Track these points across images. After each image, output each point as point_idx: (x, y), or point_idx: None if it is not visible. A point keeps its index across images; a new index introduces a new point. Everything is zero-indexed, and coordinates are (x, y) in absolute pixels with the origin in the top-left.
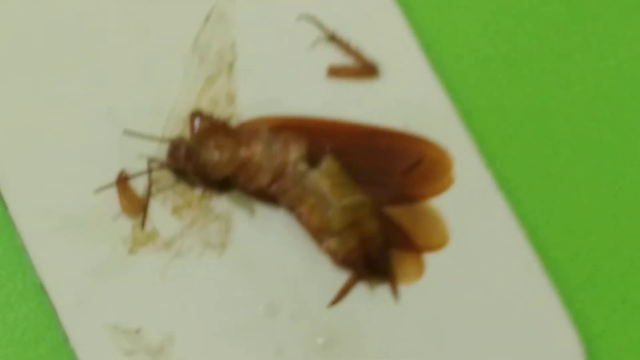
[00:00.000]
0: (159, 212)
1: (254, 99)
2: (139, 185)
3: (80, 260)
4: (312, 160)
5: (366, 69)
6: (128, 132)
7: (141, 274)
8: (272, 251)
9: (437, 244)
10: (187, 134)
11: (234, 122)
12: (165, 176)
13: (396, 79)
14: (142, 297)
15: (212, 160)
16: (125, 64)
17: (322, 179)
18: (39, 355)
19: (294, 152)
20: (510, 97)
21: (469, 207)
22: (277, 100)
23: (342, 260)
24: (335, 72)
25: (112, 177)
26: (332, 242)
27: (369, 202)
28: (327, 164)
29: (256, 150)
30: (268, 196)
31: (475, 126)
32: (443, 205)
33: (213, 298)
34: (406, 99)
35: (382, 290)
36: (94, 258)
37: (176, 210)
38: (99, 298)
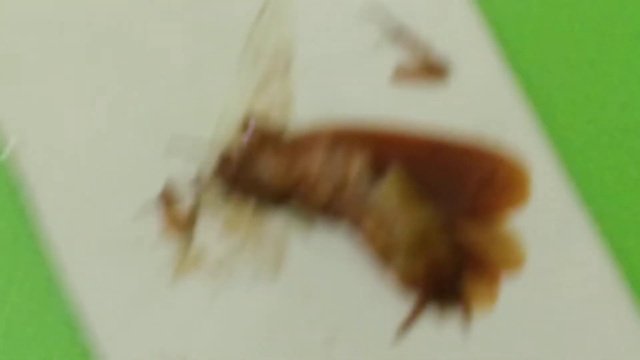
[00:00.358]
0: (206, 232)
1: (312, 103)
2: (184, 204)
3: (123, 286)
4: (377, 172)
5: (435, 71)
6: (175, 138)
7: (187, 300)
8: (331, 276)
9: (513, 265)
10: (238, 141)
11: (290, 129)
12: (214, 192)
13: (468, 82)
14: (188, 325)
15: (266, 174)
16: (171, 63)
17: (388, 193)
18: None
19: (357, 163)
20: (596, 103)
21: (548, 225)
22: (338, 105)
23: (410, 284)
24: (401, 74)
25: (155, 194)
26: (399, 265)
27: (439, 217)
28: (393, 176)
29: (315, 162)
30: (328, 212)
31: (557, 135)
32: (519, 222)
33: (265, 328)
34: (479, 104)
35: (452, 324)
36: (137, 283)
37: (227, 228)
38: (142, 325)
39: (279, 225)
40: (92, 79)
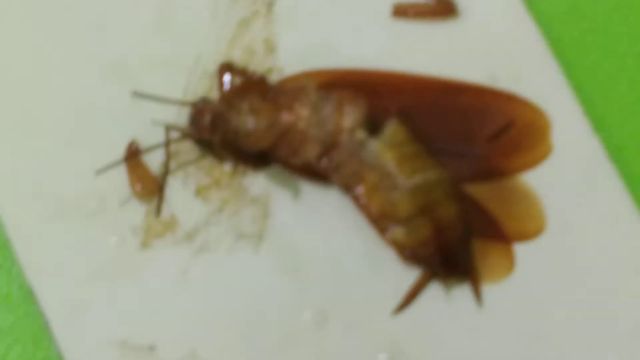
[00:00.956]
0: (179, 194)
1: (299, 47)
2: (153, 161)
3: (79, 258)
4: (373, 126)
5: (441, 6)
6: (139, 94)
7: (156, 274)
8: (321, 244)
9: (532, 231)
10: (214, 95)
11: (274, 78)
12: (187, 148)
13: (479, 18)
14: (158, 303)
15: (246, 128)
16: (137, 4)
17: (386, 150)
18: None
19: (350, 116)
20: (626, 44)
21: (572, 184)
22: (328, 48)
23: (412, 254)
24: (403, 10)
25: (120, 150)
26: (399, 232)
27: (446, 179)
28: (392, 130)
29: (302, 115)
30: (317, 173)
31: (581, 80)
32: (539, 181)
33: (247, 304)
34: (492, 44)
35: (462, 293)
36: (96, 255)
37: (201, 192)
38: (103, 306)
39: (261, 186)
40: (50, 26)
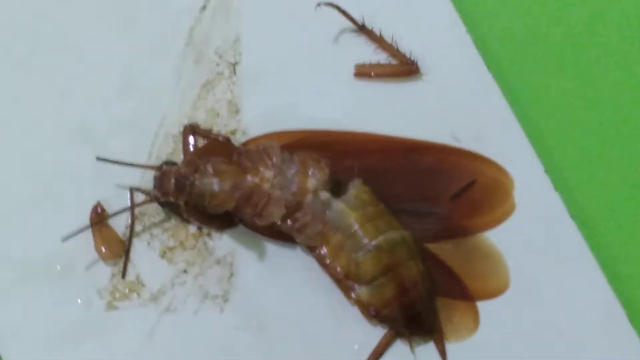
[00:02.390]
0: (145, 255)
1: (262, 108)
2: (119, 223)
3: (46, 321)
4: (337, 186)
5: (404, 66)
6: (103, 159)
7: (123, 335)
8: (287, 302)
9: (495, 289)
10: (179, 157)
11: (238, 140)
12: (152, 211)
13: (441, 77)
14: None
15: (211, 190)
16: (101, 68)
17: (350, 210)
18: None
19: (315, 177)
20: (584, 103)
21: (534, 241)
22: (292, 109)
23: (376, 313)
24: (365, 70)
25: (85, 213)
26: (364, 292)
27: (409, 238)
28: (356, 190)
29: (266, 176)
30: (282, 233)
31: (542, 138)
32: (502, 239)
33: None
34: (454, 103)
35: (427, 351)
36: (62, 317)
37: (166, 253)
38: None
39: (226, 246)
40: (16, 89)
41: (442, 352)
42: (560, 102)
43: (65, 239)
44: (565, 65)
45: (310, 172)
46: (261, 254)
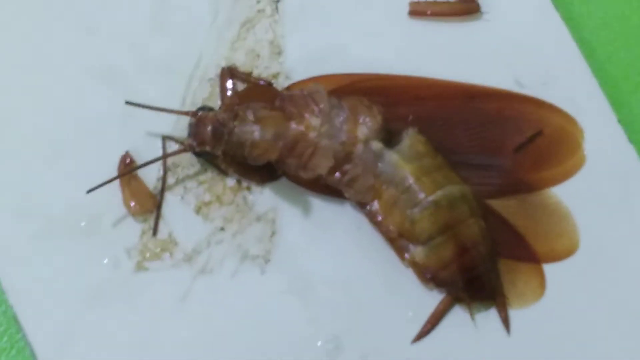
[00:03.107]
0: (178, 211)
1: (307, 50)
2: (149, 175)
3: (68, 282)
4: (390, 136)
5: (463, 4)
6: (132, 103)
7: (153, 299)
8: (333, 265)
9: (563, 251)
10: (216, 102)
11: (281, 84)
12: (187, 162)
13: (503, 16)
14: (155, 332)
15: (251, 139)
16: (130, 2)
17: (405, 163)
18: None
19: (366, 126)
20: None
21: (606, 199)
22: (340, 51)
23: (433, 276)
24: (420, 9)
25: (113, 163)
26: (419, 252)
27: (469, 194)
28: (411, 141)
29: (312, 124)
30: (329, 188)
31: (615, 85)
32: (570, 195)
33: (253, 332)
34: (517, 46)
35: (488, 318)
36: (87, 278)
37: (201, 209)
38: (94, 336)
39: (267, 202)
40: (36, 26)
41: (505, 320)
42: (636, 44)
43: (90, 190)
44: None
45: (360, 120)
46: (306, 210)
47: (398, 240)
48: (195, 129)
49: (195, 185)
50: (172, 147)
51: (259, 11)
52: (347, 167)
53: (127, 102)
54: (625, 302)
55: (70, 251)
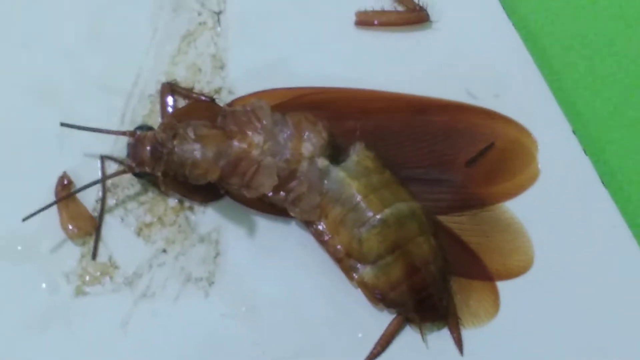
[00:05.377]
0: (118, 233)
1: (251, 63)
2: (88, 196)
3: (6, 308)
4: (337, 151)
5: (412, 13)
6: (68, 125)
7: (93, 325)
8: (280, 286)
9: (518, 268)
10: (155, 120)
11: (223, 100)
12: (126, 182)
13: (453, 26)
14: (96, 357)
15: (193, 158)
16: (66, 16)
17: (352, 180)
18: None
19: (310, 142)
20: (618, 53)
21: (561, 213)
22: (284, 64)
23: (383, 297)
24: (367, 18)
25: (49, 186)
26: (368, 273)
27: (420, 211)
28: (358, 156)
29: (255, 141)
30: (274, 207)
31: (570, 94)
32: (525, 209)
33: (197, 357)
34: (469, 55)
35: (441, 339)
36: (25, 304)
37: (143, 230)
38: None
39: (210, 222)
40: None
41: (458, 340)
42: (589, 53)
43: (27, 218)
44: (595, 10)
45: (305, 136)
46: (251, 230)
47: (346, 260)
48: (133, 150)
49: (136, 206)
50: (112, 166)
51: (200, 24)
52: (292, 185)
53: (63, 124)
54: (581, 320)
55: (6, 276)
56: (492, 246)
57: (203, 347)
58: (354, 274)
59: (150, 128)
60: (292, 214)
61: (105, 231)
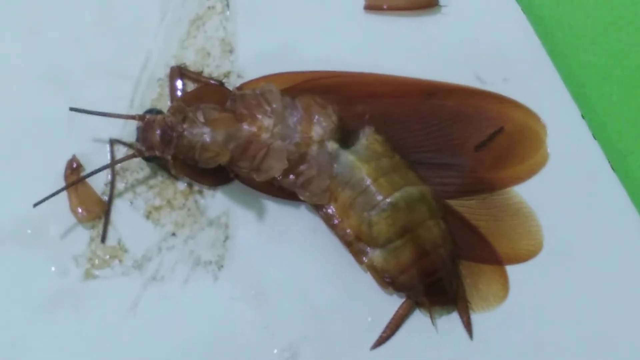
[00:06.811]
0: (128, 217)
1: (260, 47)
2: (97, 180)
3: (15, 292)
4: (347, 135)
5: None
6: (77, 109)
7: (102, 308)
8: (289, 270)
9: (527, 251)
10: (165, 104)
11: (232, 83)
12: (136, 166)
13: (462, 10)
14: (104, 342)
15: (202, 142)
16: (73, 3)
17: (361, 163)
18: None
19: (320, 125)
20: (628, 38)
21: (571, 197)
22: (293, 48)
23: (392, 281)
24: (377, 3)
25: (58, 169)
26: (377, 256)
27: (429, 194)
28: (368, 140)
29: (265, 125)
30: (283, 190)
31: (578, 80)
32: (533, 194)
33: (206, 341)
34: (478, 39)
35: (450, 323)
36: (34, 287)
37: (152, 214)
38: (42, 345)
39: (219, 206)
40: None
41: (467, 324)
42: (598, 37)
43: (37, 203)
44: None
45: (315, 120)
46: (260, 213)
47: (356, 244)
48: (143, 134)
49: (145, 189)
50: (121, 149)
51: (209, 8)
52: (301, 168)
53: (72, 109)
54: (590, 304)
55: (16, 260)
56: (501, 230)
57: (212, 331)
58: (364, 258)
59: (159, 112)
60: (301, 197)
61: (115, 215)
